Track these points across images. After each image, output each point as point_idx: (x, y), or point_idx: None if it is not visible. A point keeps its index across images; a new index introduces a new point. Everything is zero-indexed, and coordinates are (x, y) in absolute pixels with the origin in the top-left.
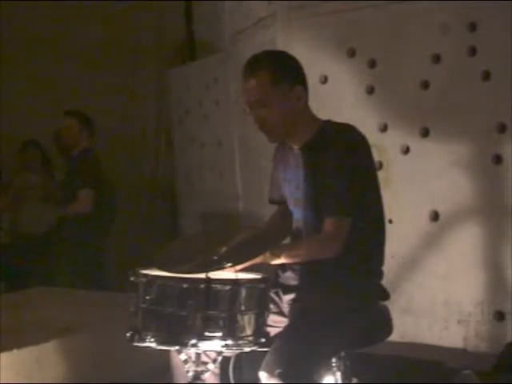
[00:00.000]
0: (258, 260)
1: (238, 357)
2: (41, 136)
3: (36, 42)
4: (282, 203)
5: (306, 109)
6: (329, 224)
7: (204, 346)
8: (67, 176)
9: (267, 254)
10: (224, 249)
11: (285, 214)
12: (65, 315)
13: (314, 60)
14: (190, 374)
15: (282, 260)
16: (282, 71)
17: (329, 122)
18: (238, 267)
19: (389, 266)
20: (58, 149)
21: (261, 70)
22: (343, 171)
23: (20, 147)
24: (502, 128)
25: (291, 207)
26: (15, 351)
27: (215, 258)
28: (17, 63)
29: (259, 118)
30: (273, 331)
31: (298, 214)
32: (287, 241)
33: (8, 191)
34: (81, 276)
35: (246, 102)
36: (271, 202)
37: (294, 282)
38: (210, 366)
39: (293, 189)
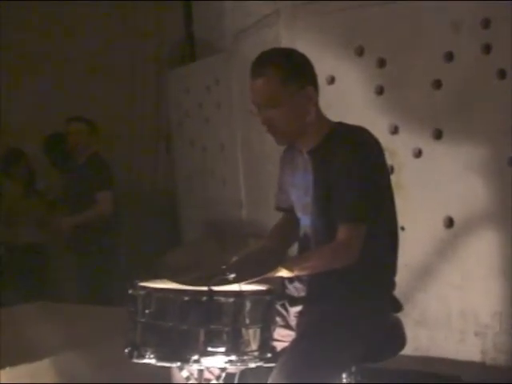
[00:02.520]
0: (269, 275)
1: (243, 373)
2: (30, 144)
3: (31, 44)
4: (289, 211)
5: (317, 110)
6: (343, 231)
7: (207, 362)
8: (74, 182)
9: (279, 268)
10: (233, 259)
11: (291, 222)
12: (63, 331)
13: (321, 59)
14: None
15: (294, 273)
16: (293, 69)
17: (340, 124)
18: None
19: (401, 276)
20: (55, 155)
21: (270, 68)
22: (356, 175)
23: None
24: None
25: (299, 213)
26: (8, 369)
27: (223, 268)
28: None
29: (267, 119)
30: (279, 346)
31: (305, 221)
32: (294, 249)
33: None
34: (92, 289)
35: (253, 103)
36: (278, 209)
37: (301, 294)
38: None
39: (301, 194)
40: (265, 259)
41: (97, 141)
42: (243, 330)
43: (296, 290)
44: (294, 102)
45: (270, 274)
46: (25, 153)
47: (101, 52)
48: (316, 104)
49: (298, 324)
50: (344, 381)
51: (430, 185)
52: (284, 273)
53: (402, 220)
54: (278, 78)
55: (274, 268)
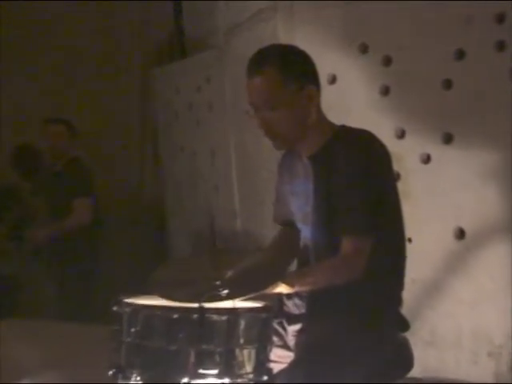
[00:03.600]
0: (267, 291)
1: None
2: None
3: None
4: (287, 222)
5: (319, 111)
6: (347, 244)
7: None
8: (51, 190)
9: (279, 284)
10: (228, 274)
11: (292, 234)
12: (38, 351)
13: (321, 57)
14: None
15: (295, 289)
16: (293, 68)
17: (344, 128)
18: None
19: (409, 292)
20: (25, 168)
21: (268, 67)
22: (361, 183)
23: None
24: None
25: (299, 224)
26: None
27: (216, 283)
28: None
29: (265, 121)
30: (276, 367)
31: (306, 232)
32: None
33: None
34: (72, 305)
35: (249, 104)
36: (277, 221)
37: (300, 311)
38: None
39: (301, 203)
40: (262, 274)
41: (77, 144)
42: (237, 351)
43: (295, 306)
44: (295, 102)
45: (267, 290)
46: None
47: (82, 47)
48: (318, 105)
49: (296, 344)
50: None
51: (439, 193)
52: (283, 289)
53: (409, 231)
54: (278, 77)
55: (273, 284)
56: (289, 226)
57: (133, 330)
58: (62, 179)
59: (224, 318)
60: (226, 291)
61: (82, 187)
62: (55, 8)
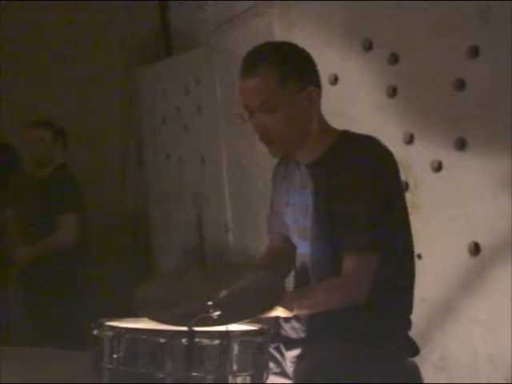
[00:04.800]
0: (264, 315)
1: None
2: None
3: None
4: (284, 236)
5: (320, 115)
6: (350, 262)
7: None
8: (33, 202)
9: (276, 307)
10: (222, 294)
11: (287, 249)
12: (12, 379)
13: (321, 55)
14: None
15: (294, 313)
16: (292, 67)
17: (346, 133)
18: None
19: (418, 313)
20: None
21: (265, 66)
22: (366, 194)
23: None
24: None
25: (295, 239)
26: None
27: (209, 303)
28: None
29: (261, 126)
30: None
31: (304, 248)
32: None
33: None
34: (50, 329)
35: (243, 107)
36: (271, 234)
37: (299, 335)
38: None
39: (298, 216)
40: (259, 296)
41: (63, 150)
42: (230, 378)
43: (293, 330)
44: (294, 105)
45: (265, 314)
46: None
47: (57, 44)
48: (319, 108)
49: (295, 371)
50: None
51: (451, 204)
52: (281, 312)
53: (418, 247)
54: (275, 78)
55: (270, 308)
56: (284, 239)
57: (115, 355)
58: (46, 191)
59: (216, 342)
60: (217, 313)
61: (68, 201)
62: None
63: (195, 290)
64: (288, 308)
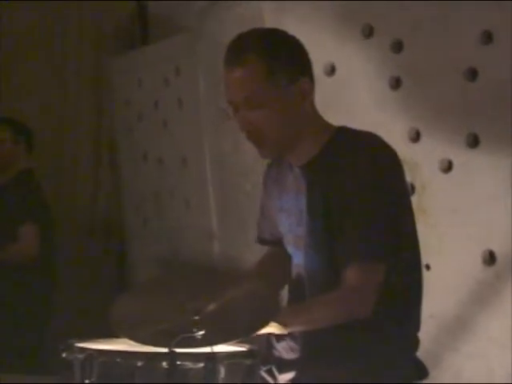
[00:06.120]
0: (256, 333)
1: None
2: None
3: None
4: (276, 243)
5: (313, 110)
6: (352, 274)
7: None
8: None
9: (270, 324)
10: (209, 307)
11: (280, 258)
12: None
13: (316, 42)
14: None
15: (289, 329)
16: (282, 57)
17: (344, 130)
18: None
19: (426, 330)
20: None
21: (252, 55)
22: (367, 198)
23: None
24: None
25: (290, 248)
26: None
27: (195, 318)
28: None
29: (248, 123)
30: None
31: (298, 258)
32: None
33: None
34: (12, 352)
35: (228, 101)
36: (261, 241)
37: (293, 355)
38: None
39: (292, 222)
40: (250, 311)
41: (27, 152)
42: None
43: (286, 350)
44: (284, 99)
45: (258, 332)
46: None
47: (20, 31)
48: (312, 102)
49: None
50: None
51: (463, 208)
52: (274, 329)
53: (426, 256)
54: (262, 69)
55: (263, 325)
56: (276, 246)
57: (87, 381)
58: (5, 198)
59: (200, 365)
60: (202, 332)
61: (28, 210)
62: None
63: (179, 303)
64: (282, 324)
